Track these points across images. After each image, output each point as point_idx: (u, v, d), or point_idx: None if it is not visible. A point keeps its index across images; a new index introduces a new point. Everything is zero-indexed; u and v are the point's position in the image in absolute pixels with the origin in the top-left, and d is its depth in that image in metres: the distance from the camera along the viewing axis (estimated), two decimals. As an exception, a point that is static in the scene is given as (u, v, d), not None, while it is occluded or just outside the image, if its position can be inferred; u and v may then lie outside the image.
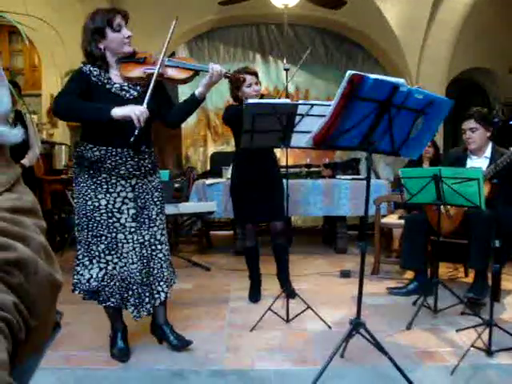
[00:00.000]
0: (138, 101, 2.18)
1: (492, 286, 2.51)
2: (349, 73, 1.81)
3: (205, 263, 4.40)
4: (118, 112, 2.06)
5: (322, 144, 1.97)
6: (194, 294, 3.49)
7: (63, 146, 5.95)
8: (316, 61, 6.85)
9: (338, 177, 5.06)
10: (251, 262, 3.38)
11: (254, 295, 3.32)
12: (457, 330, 2.59)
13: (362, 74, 1.83)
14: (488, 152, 3.29)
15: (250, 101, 2.57)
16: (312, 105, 2.60)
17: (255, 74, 3.11)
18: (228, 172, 4.96)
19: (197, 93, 2.30)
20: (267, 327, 2.72)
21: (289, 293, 2.96)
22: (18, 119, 3.88)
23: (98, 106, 2.13)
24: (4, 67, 5.95)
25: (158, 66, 2.16)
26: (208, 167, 6.44)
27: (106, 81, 2.21)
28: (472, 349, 2.20)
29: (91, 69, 2.20)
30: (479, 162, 3.26)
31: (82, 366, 2.26)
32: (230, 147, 6.83)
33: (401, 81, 1.94)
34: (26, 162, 4.06)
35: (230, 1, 5.10)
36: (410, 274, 3.79)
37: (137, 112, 2.04)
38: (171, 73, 2.25)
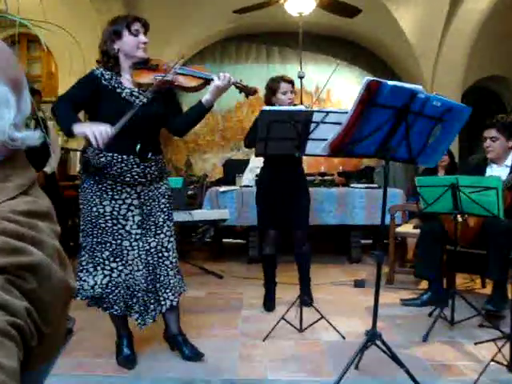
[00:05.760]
0: (147, 108, 2.20)
1: (512, 298, 2.45)
2: (366, 79, 1.79)
3: (217, 271, 4.38)
4: (77, 128, 2.04)
5: (338, 151, 1.94)
6: (207, 302, 3.47)
7: (78, 153, 5.99)
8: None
9: (352, 185, 5.01)
10: (269, 269, 3.33)
11: (269, 304, 3.27)
12: (475, 343, 2.52)
13: (380, 80, 1.80)
14: (509, 160, 3.21)
15: (266, 108, 2.56)
16: (327, 112, 2.58)
17: (291, 83, 3.13)
18: (241, 179, 4.95)
19: (203, 100, 2.28)
20: (280, 337, 2.68)
21: (304, 300, 2.90)
22: (38, 126, 3.91)
23: (70, 116, 2.11)
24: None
25: (167, 73, 2.16)
26: (213, 176, 6.22)
27: (116, 85, 2.22)
28: (492, 363, 2.14)
29: (103, 72, 2.22)
30: (499, 171, 3.18)
31: (93, 372, 2.25)
32: (241, 154, 6.68)
33: (419, 87, 1.91)
34: (48, 169, 4.09)
35: (244, 9, 5.11)
36: (424, 284, 3.72)
37: (96, 131, 1.97)
38: (181, 80, 2.24)
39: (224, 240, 5.74)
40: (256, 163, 4.93)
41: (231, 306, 3.35)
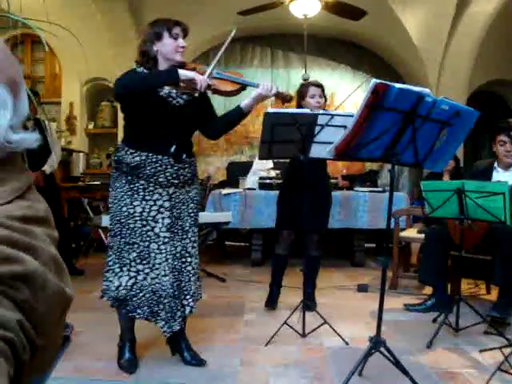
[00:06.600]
0: (183, 109, 2.23)
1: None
2: (373, 82, 1.76)
3: (220, 274, 4.35)
4: (183, 72, 2.10)
5: (344, 155, 1.91)
6: (209, 306, 3.43)
7: (81, 154, 5.98)
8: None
9: (355, 189, 4.98)
10: (278, 270, 3.30)
11: (271, 303, 3.27)
12: (480, 351, 2.49)
13: (387, 83, 1.77)
14: None
15: (270, 110, 2.53)
16: (332, 115, 2.56)
17: (321, 87, 3.14)
18: (245, 182, 4.92)
19: (242, 104, 2.30)
20: (283, 342, 2.65)
21: (308, 305, 2.85)
22: (37, 127, 3.88)
23: (160, 70, 2.20)
24: (25, 75, 6.03)
25: (206, 76, 2.17)
26: (216, 178, 6.21)
27: None
28: (497, 371, 2.10)
29: (144, 71, 2.23)
30: (506, 176, 3.13)
31: (94, 376, 2.22)
32: (245, 157, 6.67)
33: (426, 90, 1.88)
34: (47, 168, 4.04)
35: (249, 11, 5.09)
36: (428, 290, 3.68)
37: (200, 77, 2.10)
38: (218, 84, 2.26)
39: (227, 243, 5.71)
40: (259, 166, 4.91)
41: (234, 310, 3.32)
